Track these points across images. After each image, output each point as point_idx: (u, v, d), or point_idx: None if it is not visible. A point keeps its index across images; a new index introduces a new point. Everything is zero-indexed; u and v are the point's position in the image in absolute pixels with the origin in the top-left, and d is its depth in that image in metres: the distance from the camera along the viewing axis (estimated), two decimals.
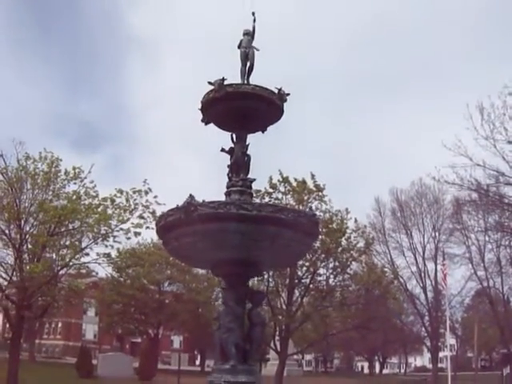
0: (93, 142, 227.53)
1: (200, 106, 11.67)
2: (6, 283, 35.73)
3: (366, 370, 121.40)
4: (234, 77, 11.82)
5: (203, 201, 10.03)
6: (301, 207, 35.72)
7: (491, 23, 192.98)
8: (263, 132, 12.17)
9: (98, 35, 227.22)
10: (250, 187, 11.55)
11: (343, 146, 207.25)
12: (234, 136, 11.80)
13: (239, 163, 11.48)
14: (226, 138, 12.11)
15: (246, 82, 11.72)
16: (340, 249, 37.64)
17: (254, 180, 11.70)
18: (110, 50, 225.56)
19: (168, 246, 11.64)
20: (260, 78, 12.00)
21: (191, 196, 10.06)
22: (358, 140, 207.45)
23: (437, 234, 72.78)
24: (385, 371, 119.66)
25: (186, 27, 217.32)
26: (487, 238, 62.17)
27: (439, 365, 78.78)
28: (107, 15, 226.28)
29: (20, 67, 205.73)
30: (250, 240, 10.18)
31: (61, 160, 34.91)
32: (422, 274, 73.11)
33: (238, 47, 12.22)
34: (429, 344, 77.91)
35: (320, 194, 37.34)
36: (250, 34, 12.26)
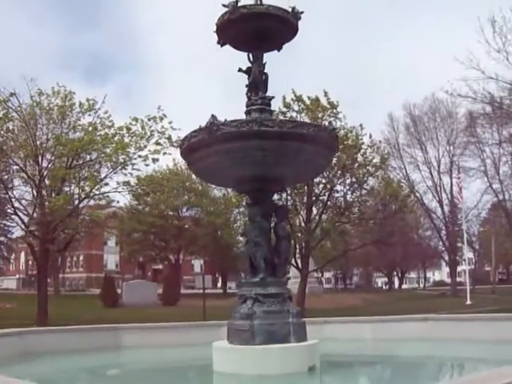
0: (103, 72, 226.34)
1: (215, 28, 11.77)
2: (27, 220, 36.36)
3: (385, 286, 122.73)
4: None
5: (225, 120, 10.24)
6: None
7: None
8: (279, 51, 12.26)
9: None
10: (270, 105, 11.69)
11: (355, 62, 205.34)
12: (250, 56, 11.91)
13: (257, 82, 11.60)
14: (237, 60, 12.26)
15: (259, 2, 11.80)
16: (356, 165, 37.91)
17: (273, 97, 11.84)
18: None
19: (193, 166, 11.90)
20: None
21: (213, 116, 10.25)
22: (370, 56, 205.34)
23: (451, 147, 73.01)
24: (404, 286, 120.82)
25: None
26: (502, 151, 62.54)
27: (457, 279, 79.55)
28: None
29: (22, 4, 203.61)
30: (272, 156, 10.39)
31: (74, 93, 35.11)
32: (438, 188, 73.59)
33: None
34: (446, 258, 78.77)
35: (334, 111, 37.42)
36: None
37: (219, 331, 12.31)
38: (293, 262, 39.74)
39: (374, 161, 38.88)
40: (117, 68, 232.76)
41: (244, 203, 37.32)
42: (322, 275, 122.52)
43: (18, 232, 57.41)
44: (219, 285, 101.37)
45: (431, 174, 74.19)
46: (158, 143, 33.37)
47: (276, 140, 10.20)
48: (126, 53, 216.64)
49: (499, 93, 41.03)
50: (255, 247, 10.92)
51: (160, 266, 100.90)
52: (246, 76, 11.82)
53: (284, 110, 36.90)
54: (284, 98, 36.81)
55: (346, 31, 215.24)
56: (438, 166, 73.92)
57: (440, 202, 74.23)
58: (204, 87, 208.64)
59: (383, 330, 14.83)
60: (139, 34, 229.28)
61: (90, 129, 34.35)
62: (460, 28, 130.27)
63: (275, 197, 12.85)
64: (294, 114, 37.02)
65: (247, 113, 11.43)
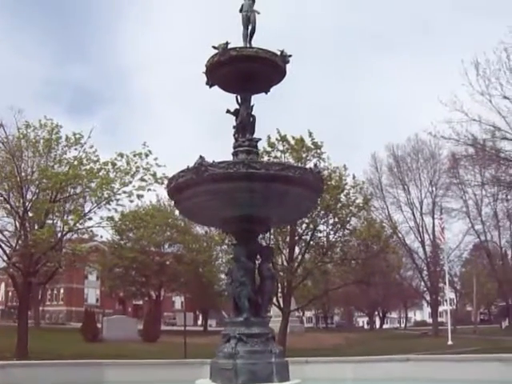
0: (88, 106, 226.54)
1: (204, 69, 12.00)
2: (9, 251, 36.27)
3: (366, 326, 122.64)
4: (228, 36, 12.19)
5: (213, 161, 10.42)
6: (300, 165, 36.13)
7: None
8: (266, 93, 12.50)
9: None
10: (256, 147, 11.92)
11: (340, 103, 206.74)
12: (238, 97, 12.13)
13: (245, 124, 11.80)
14: (225, 98, 12.49)
15: (248, 45, 12.05)
16: (339, 205, 38.01)
17: (260, 140, 12.07)
18: (103, 8, 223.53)
19: (180, 205, 12.02)
20: (259, 35, 12.35)
21: (201, 157, 10.43)
22: (355, 97, 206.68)
23: (434, 188, 73.76)
24: (385, 326, 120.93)
25: None
26: (484, 192, 63.26)
27: (439, 319, 79.72)
28: None
29: (9, 34, 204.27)
30: (259, 197, 10.57)
31: (61, 127, 35.27)
32: (420, 229, 74.17)
33: (240, 11, 12.49)
34: (428, 298, 79.02)
35: (318, 151, 37.61)
36: None
37: (202, 369, 12.39)
38: (274, 301, 39.78)
39: (357, 201, 39.08)
40: (103, 102, 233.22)
41: (227, 241, 37.60)
42: (304, 314, 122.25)
43: None
44: (200, 322, 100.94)
45: (413, 214, 74.82)
46: (142, 179, 33.48)
47: (263, 182, 10.37)
48: (112, 87, 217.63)
49: (482, 135, 41.55)
50: (240, 287, 11.02)
51: (141, 302, 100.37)
52: (234, 117, 12.03)
53: (269, 149, 37.06)
54: (269, 137, 36.99)
55: (332, 71, 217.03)
56: (421, 207, 74.62)
57: (422, 242, 74.76)
58: (191, 124, 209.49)
59: (364, 370, 14.93)
60: (126, 69, 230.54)
61: (76, 163, 34.40)
62: (444, 70, 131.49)
63: (259, 236, 12.98)
64: (279, 154, 37.21)
65: (234, 154, 11.62)
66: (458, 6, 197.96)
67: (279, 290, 38.87)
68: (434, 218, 71.36)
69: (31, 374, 14.09)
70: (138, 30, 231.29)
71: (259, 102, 12.52)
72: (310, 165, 36.40)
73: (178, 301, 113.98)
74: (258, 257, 11.76)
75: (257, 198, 10.57)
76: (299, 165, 35.40)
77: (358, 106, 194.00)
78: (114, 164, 33.74)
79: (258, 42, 12.20)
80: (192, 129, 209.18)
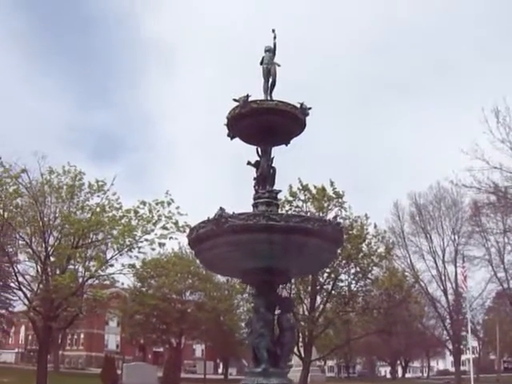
0: (112, 152, 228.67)
1: (226, 121, 12.15)
2: (29, 295, 36.37)
3: (389, 375, 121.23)
4: (250, 86, 12.37)
5: (233, 213, 10.52)
6: (321, 214, 36.15)
7: (504, 25, 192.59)
8: (286, 145, 12.65)
9: (112, 42, 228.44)
10: (276, 198, 12.05)
11: (362, 150, 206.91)
12: (259, 149, 12.27)
13: (265, 175, 11.95)
14: (246, 148, 12.63)
15: (269, 97, 12.21)
16: (361, 254, 37.92)
17: (280, 191, 12.22)
18: (126, 57, 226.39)
19: (200, 256, 12.17)
20: (278, 84, 12.51)
21: (221, 208, 10.56)
22: (375, 145, 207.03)
23: (456, 236, 72.99)
24: (407, 375, 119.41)
25: (204, 33, 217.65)
26: (506, 240, 62.50)
27: (462, 368, 78.47)
28: (122, 21, 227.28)
29: (33, 79, 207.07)
30: (278, 249, 10.67)
31: (84, 173, 35.51)
32: (443, 277, 73.31)
33: (261, 64, 12.67)
34: (451, 347, 77.99)
35: (340, 200, 37.66)
36: (271, 51, 12.71)
37: None
38: (295, 350, 39.55)
39: (379, 250, 38.95)
40: (126, 149, 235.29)
41: (247, 290, 37.52)
42: (325, 363, 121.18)
43: (19, 306, 57.32)
44: (220, 370, 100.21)
45: (436, 262, 74.13)
46: (164, 227, 33.59)
47: (282, 234, 10.46)
48: (135, 134, 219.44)
49: (503, 182, 41.35)
50: (258, 338, 11.09)
51: (161, 349, 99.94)
52: (254, 169, 12.14)
53: (290, 198, 37.16)
54: (291, 186, 37.13)
55: (353, 120, 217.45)
56: (443, 255, 73.90)
57: (444, 290, 73.96)
58: (214, 173, 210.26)
59: None
60: (151, 116, 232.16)
61: (98, 210, 34.62)
62: (466, 117, 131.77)
63: (278, 287, 13.04)
64: (300, 203, 37.28)
65: (254, 205, 11.76)
66: (478, 54, 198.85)
67: (300, 339, 38.71)
68: (456, 267, 70.68)
69: None
70: (163, 77, 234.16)
71: (281, 152, 12.67)
72: (331, 214, 36.63)
73: (199, 348, 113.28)
74: (278, 308, 11.81)
75: (276, 249, 10.66)
76: (320, 214, 35.58)
77: (381, 154, 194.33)
78: (136, 212, 33.91)
79: (277, 91, 12.39)
80: (214, 178, 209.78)
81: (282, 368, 11.34)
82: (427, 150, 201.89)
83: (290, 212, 35.63)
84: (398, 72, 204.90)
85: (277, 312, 11.73)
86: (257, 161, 12.19)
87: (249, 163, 12.25)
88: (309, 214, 35.83)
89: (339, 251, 36.04)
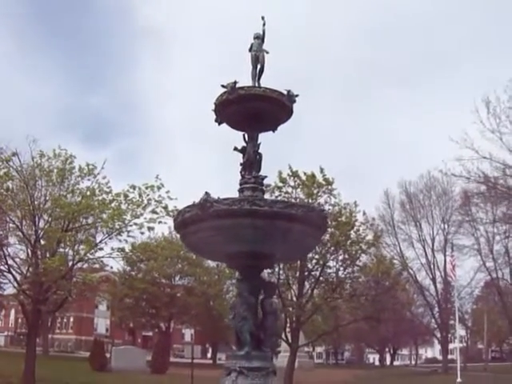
0: (103, 136, 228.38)
1: (213, 107, 12.27)
2: (19, 278, 36.43)
3: (377, 362, 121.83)
4: (245, 71, 12.50)
5: (218, 198, 10.66)
6: (310, 201, 36.24)
7: (500, 18, 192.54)
8: (274, 131, 12.76)
9: (107, 27, 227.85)
10: (262, 184, 12.16)
11: (352, 138, 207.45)
12: (245, 135, 12.39)
13: (251, 161, 12.06)
14: (237, 134, 12.74)
15: (257, 84, 12.32)
16: (349, 241, 37.92)
17: (266, 177, 12.33)
18: (121, 42, 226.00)
19: (185, 240, 12.31)
20: (273, 69, 12.62)
21: (207, 193, 10.69)
22: (367, 132, 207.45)
23: (446, 225, 73.64)
24: (396, 363, 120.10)
25: (199, 19, 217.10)
26: (496, 230, 63.05)
27: (449, 356, 79.02)
28: (118, 6, 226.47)
29: (27, 62, 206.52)
30: (262, 234, 10.80)
31: (75, 157, 35.45)
32: (432, 266, 73.97)
33: (249, 50, 12.77)
34: (439, 335, 78.50)
35: (329, 187, 37.63)
36: (260, 38, 12.77)
37: None
38: (283, 336, 39.71)
39: (367, 238, 39.04)
40: (117, 133, 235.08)
41: (236, 275, 37.62)
42: (314, 350, 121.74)
43: (9, 289, 57.33)
44: (209, 355, 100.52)
45: (425, 251, 74.69)
46: (154, 212, 33.59)
47: (266, 219, 10.60)
48: (126, 117, 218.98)
49: (493, 172, 41.59)
50: (242, 321, 11.24)
51: (150, 333, 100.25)
52: (241, 155, 12.27)
53: (280, 184, 37.12)
54: (280, 173, 37.08)
55: (344, 106, 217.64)
56: (432, 244, 74.49)
57: (433, 279, 74.52)
58: (204, 158, 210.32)
59: None
60: (143, 100, 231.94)
61: (88, 193, 34.56)
62: (457, 106, 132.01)
63: (268, 270, 13.21)
64: (290, 190, 37.25)
65: (240, 190, 11.89)
66: (472, 44, 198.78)
67: (288, 324, 38.89)
68: (445, 255, 71.16)
69: None
70: (156, 63, 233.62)
71: (271, 138, 12.80)
72: (321, 201, 36.77)
73: (188, 333, 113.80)
74: (262, 292, 11.96)
75: (260, 234, 10.79)
76: (310, 201, 35.67)
77: (372, 141, 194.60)
78: (126, 196, 33.87)
79: (270, 77, 12.49)
80: (205, 163, 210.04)
81: (265, 351, 11.50)
82: (419, 138, 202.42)
83: (278, 198, 35.81)
84: (390, 61, 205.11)
85: (260, 296, 11.88)
86: (243, 147, 12.30)
87: (235, 149, 12.36)
88: (298, 200, 36.00)
89: (328, 238, 36.33)
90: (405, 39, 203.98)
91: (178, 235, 13.72)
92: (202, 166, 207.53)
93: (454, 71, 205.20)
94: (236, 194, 11.89)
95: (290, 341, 39.03)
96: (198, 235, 11.31)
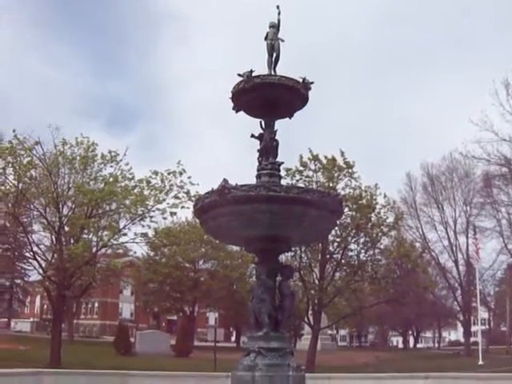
0: (125, 121, 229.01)
1: (230, 95, 12.57)
2: (44, 264, 36.93)
3: (401, 345, 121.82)
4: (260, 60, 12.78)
5: (236, 184, 10.99)
6: (331, 184, 36.49)
7: None
8: (290, 118, 13.04)
9: (128, 12, 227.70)
10: (279, 170, 12.48)
11: (373, 121, 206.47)
12: (262, 123, 12.68)
13: (268, 148, 12.38)
14: (256, 120, 13.02)
15: (272, 72, 12.61)
16: (370, 224, 38.18)
17: (282, 163, 12.63)
18: (141, 27, 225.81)
19: (205, 225, 12.69)
20: (292, 52, 12.85)
21: (225, 180, 11.03)
22: (388, 115, 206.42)
23: (468, 207, 73.16)
24: (419, 345, 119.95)
25: (218, 3, 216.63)
26: None
27: (472, 339, 78.73)
28: None
29: (47, 49, 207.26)
30: (278, 219, 11.16)
31: (97, 145, 35.83)
32: (454, 248, 73.56)
33: (265, 39, 13.03)
34: (461, 318, 78.33)
35: (350, 170, 37.81)
36: (275, 27, 13.05)
37: (227, 382, 12.79)
38: (305, 319, 40.08)
39: (388, 220, 39.20)
40: (139, 118, 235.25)
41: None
42: (337, 333, 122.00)
43: (34, 276, 58.04)
44: (233, 338, 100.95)
45: (447, 233, 74.39)
46: (176, 197, 34.00)
47: (282, 204, 10.96)
48: (148, 103, 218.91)
49: None
50: (260, 303, 11.60)
51: (175, 317, 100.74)
52: (258, 141, 12.56)
53: (301, 168, 37.39)
54: (301, 156, 37.36)
55: (365, 90, 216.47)
56: (455, 226, 74.12)
57: (455, 261, 74.25)
58: (227, 142, 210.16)
59: None
60: (164, 86, 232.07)
61: (111, 180, 34.99)
62: (478, 88, 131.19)
63: (290, 254, 13.56)
64: (311, 173, 37.50)
65: (258, 176, 12.22)
66: (492, 25, 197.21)
67: (310, 307, 39.20)
68: (467, 238, 71.05)
69: (62, 381, 14.60)
70: (176, 47, 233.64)
71: (291, 122, 13.09)
72: (341, 184, 37.02)
73: (212, 317, 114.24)
74: (280, 275, 12.29)
75: (276, 219, 11.14)
76: (330, 184, 35.93)
77: (392, 123, 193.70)
78: (148, 182, 34.31)
79: (291, 61, 12.71)
80: (226, 145, 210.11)
81: (282, 332, 11.86)
82: (442, 121, 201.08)
83: (299, 182, 36.13)
84: (409, 41, 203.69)
85: (278, 279, 12.21)
86: (260, 134, 12.60)
87: (252, 136, 12.65)
88: (318, 183, 36.27)
89: (348, 221, 36.65)
90: (424, 20, 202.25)
91: (198, 221, 14.06)
92: (224, 150, 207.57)
93: (475, 53, 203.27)
94: (255, 179, 12.22)
95: (312, 323, 39.38)
96: (216, 220, 11.68)
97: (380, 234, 38.84)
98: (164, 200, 34.24)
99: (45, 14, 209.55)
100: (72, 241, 36.00)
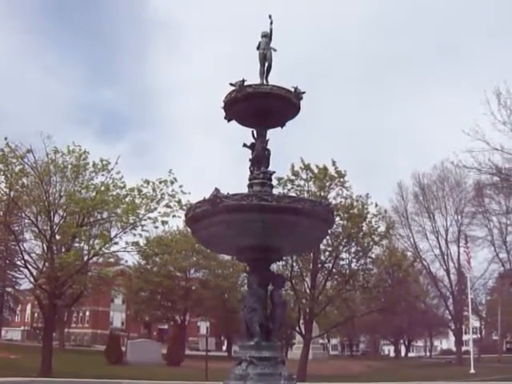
0: (117, 129, 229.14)
1: (222, 104, 12.62)
2: (35, 273, 36.86)
3: (392, 354, 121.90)
4: (253, 69, 12.83)
5: (228, 193, 11.02)
6: (322, 193, 36.54)
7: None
8: (282, 127, 13.10)
9: (120, 20, 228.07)
10: (271, 179, 12.52)
11: (365, 130, 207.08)
12: (254, 132, 12.71)
13: (260, 157, 12.41)
14: (246, 130, 13.07)
15: (264, 81, 12.66)
16: (361, 233, 38.19)
17: (274, 172, 12.67)
18: (133, 35, 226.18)
19: (197, 234, 12.72)
20: (284, 61, 12.88)
21: (217, 189, 11.06)
22: (380, 124, 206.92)
23: (459, 216, 73.55)
24: (410, 354, 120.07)
25: (211, 11, 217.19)
26: (508, 221, 63.17)
27: (464, 348, 78.94)
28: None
29: (40, 57, 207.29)
30: (270, 228, 11.18)
31: (88, 153, 35.73)
32: (445, 257, 73.91)
33: (257, 49, 13.09)
34: (453, 327, 78.51)
35: (341, 180, 37.84)
36: (267, 36, 13.10)
37: None
38: (297, 328, 40.07)
39: (379, 230, 39.24)
40: (131, 126, 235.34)
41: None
42: (329, 342, 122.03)
43: (25, 284, 57.87)
44: (225, 347, 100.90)
45: (439, 242, 74.70)
46: (167, 206, 33.98)
47: (274, 213, 10.99)
48: (140, 111, 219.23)
49: (504, 164, 41.69)
50: (251, 313, 11.60)
51: (166, 326, 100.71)
52: (250, 151, 12.60)
53: (292, 177, 37.40)
54: (293, 166, 37.38)
55: (356, 98, 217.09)
56: (446, 235, 74.47)
57: (447, 270, 74.52)
58: (217, 149, 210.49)
59: None
60: (156, 94, 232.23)
61: (103, 188, 34.91)
62: (469, 97, 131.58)
63: (281, 263, 13.59)
64: (302, 183, 37.52)
65: (249, 186, 12.26)
66: (484, 34, 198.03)
67: (301, 316, 39.21)
68: (459, 246, 71.29)
69: None
70: (169, 55, 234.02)
71: (283, 132, 13.14)
72: (333, 193, 37.06)
73: (204, 326, 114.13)
74: (271, 284, 12.31)
75: (268, 228, 11.17)
76: (322, 194, 35.98)
77: (383, 133, 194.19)
78: (140, 190, 34.26)
79: (282, 69, 12.74)
80: (218, 155, 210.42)
81: (274, 342, 11.86)
82: (433, 130, 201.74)
83: (291, 191, 36.18)
84: (401, 51, 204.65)
85: (270, 288, 12.23)
86: (252, 143, 12.64)
87: (244, 145, 12.69)
88: (310, 193, 36.31)
89: (340, 230, 36.68)
90: (415, 28, 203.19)
91: (190, 230, 14.09)
92: (215, 158, 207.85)
93: (467, 62, 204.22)
94: (246, 188, 12.25)
95: (303, 332, 39.36)
96: (208, 230, 11.68)
97: (371, 243, 38.85)
98: (155, 209, 34.20)
99: (37, 21, 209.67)
100: (63, 249, 35.88)
